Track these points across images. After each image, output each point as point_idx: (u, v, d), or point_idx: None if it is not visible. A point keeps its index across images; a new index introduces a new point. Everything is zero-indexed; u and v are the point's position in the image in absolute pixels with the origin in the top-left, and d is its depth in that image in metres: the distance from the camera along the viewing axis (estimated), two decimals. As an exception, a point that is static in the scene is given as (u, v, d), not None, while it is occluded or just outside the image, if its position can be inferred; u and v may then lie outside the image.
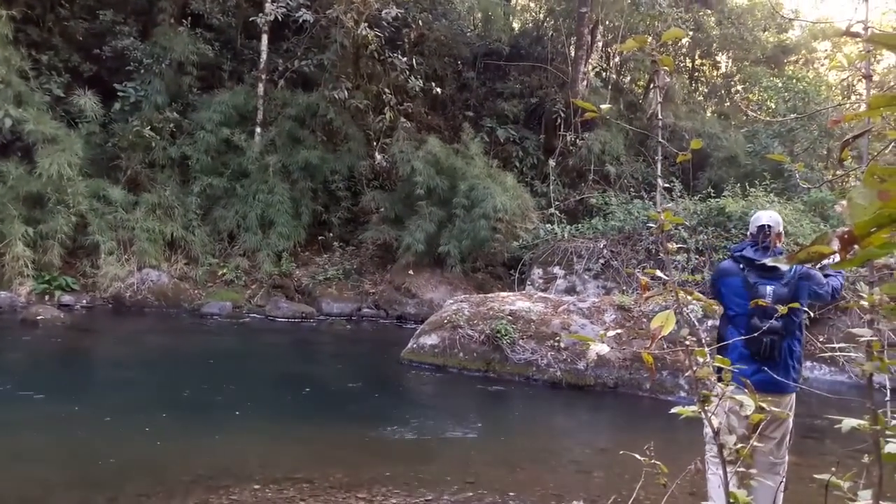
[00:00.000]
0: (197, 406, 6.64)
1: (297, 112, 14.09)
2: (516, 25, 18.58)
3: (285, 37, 14.95)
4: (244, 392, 7.39)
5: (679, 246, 4.78)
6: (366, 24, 13.06)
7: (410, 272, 13.17)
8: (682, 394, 8.23)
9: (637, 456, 3.43)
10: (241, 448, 5.56)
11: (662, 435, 7.13)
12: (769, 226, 3.98)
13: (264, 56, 14.25)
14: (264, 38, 14.15)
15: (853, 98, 17.22)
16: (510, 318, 8.67)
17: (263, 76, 14.25)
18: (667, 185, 13.21)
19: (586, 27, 15.58)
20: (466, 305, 9.06)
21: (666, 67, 2.28)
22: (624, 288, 11.01)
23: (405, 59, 13.80)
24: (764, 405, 2.22)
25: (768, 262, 3.34)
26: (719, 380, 2.21)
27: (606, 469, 5.86)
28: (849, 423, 2.35)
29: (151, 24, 13.91)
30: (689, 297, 2.34)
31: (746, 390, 2.44)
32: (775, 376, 3.67)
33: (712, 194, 12.86)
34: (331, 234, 13.87)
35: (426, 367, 8.65)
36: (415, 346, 8.90)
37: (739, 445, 2.31)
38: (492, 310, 8.86)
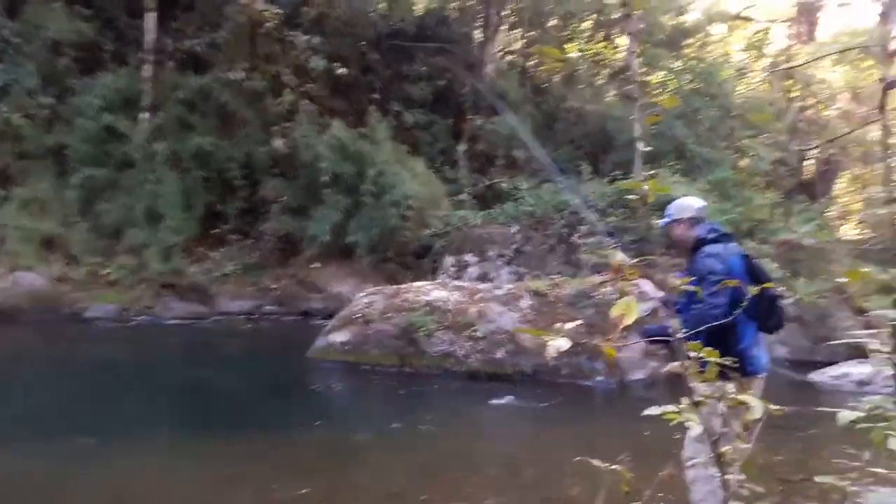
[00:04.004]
0: (82, 424, 5.81)
1: (187, 95, 13.14)
2: (421, 5, 18.04)
3: (174, 15, 13.88)
4: (135, 405, 6.61)
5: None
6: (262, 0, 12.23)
7: (316, 265, 12.54)
8: (600, 378, 8.07)
9: (596, 462, 3.03)
10: (132, 471, 4.86)
11: (583, 423, 6.93)
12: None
13: (151, 35, 13.17)
14: (150, 15, 13.10)
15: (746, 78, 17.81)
16: (426, 309, 8.23)
17: (150, 57, 13.20)
18: (574, 169, 13.15)
19: (492, 8, 15.28)
20: (379, 298, 8.55)
21: (638, 12, 1.91)
22: (537, 273, 10.79)
23: (306, 38, 13.06)
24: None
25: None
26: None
27: (535, 465, 5.52)
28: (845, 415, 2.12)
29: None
30: (676, 282, 2.34)
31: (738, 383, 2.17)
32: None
33: (619, 176, 12.87)
34: (227, 227, 12.96)
35: (337, 366, 8.10)
36: (324, 343, 8.33)
37: (732, 447, 2.00)
38: (406, 301, 8.39)
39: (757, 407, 1.93)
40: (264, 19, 12.60)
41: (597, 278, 8.62)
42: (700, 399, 1.98)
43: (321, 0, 14.53)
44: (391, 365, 8.08)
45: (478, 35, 17.07)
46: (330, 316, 9.56)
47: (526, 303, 8.58)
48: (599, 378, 8.06)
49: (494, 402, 7.33)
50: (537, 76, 18.27)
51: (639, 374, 8.12)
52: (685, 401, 2.25)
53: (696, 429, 1.96)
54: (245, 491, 4.60)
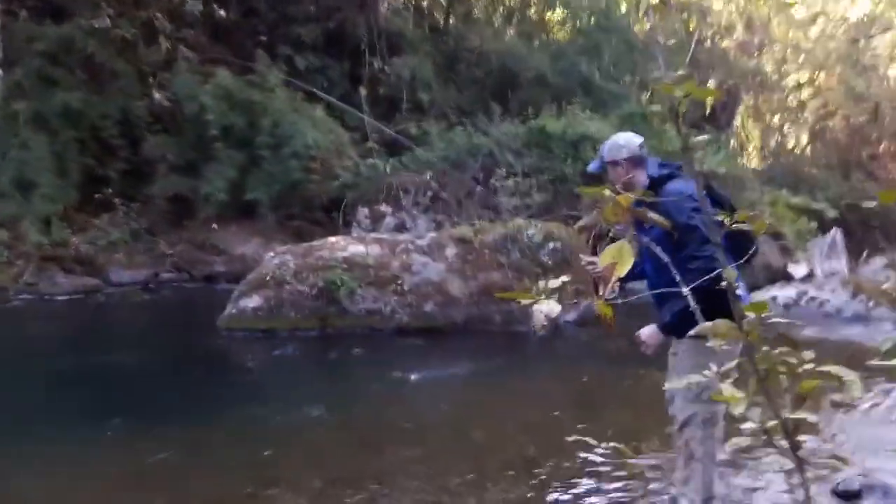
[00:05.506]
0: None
1: (47, 47, 11.58)
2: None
3: (21, -43, 12.17)
4: (27, 398, 5.70)
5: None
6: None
7: (214, 226, 11.59)
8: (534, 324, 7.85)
9: (590, 441, 2.68)
10: (33, 478, 4.09)
11: (523, 374, 6.66)
12: None
13: (-3, -19, 11.51)
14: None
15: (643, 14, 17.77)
16: (345, 265, 7.64)
17: (-1, 6, 11.52)
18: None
19: (381, -59, 14.36)
20: (291, 257, 7.86)
21: None
22: (456, 220, 10.39)
23: (178, -22, 11.79)
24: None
25: None
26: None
27: (484, 427, 5.15)
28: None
29: None
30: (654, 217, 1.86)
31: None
32: None
33: (530, 115, 12.53)
34: (109, 191, 11.64)
35: (252, 335, 7.41)
36: (234, 311, 7.58)
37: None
38: (322, 259, 7.75)
39: (855, 383, 1.52)
40: (130, -42, 11.26)
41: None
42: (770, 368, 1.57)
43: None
44: (311, 328, 7.50)
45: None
46: (236, 280, 8.78)
47: (451, 251, 8.16)
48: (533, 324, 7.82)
49: (428, 359, 6.95)
50: (433, 16, 17.52)
51: (570, 316, 7.94)
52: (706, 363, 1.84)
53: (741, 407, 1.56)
54: (161, 493, 3.96)
